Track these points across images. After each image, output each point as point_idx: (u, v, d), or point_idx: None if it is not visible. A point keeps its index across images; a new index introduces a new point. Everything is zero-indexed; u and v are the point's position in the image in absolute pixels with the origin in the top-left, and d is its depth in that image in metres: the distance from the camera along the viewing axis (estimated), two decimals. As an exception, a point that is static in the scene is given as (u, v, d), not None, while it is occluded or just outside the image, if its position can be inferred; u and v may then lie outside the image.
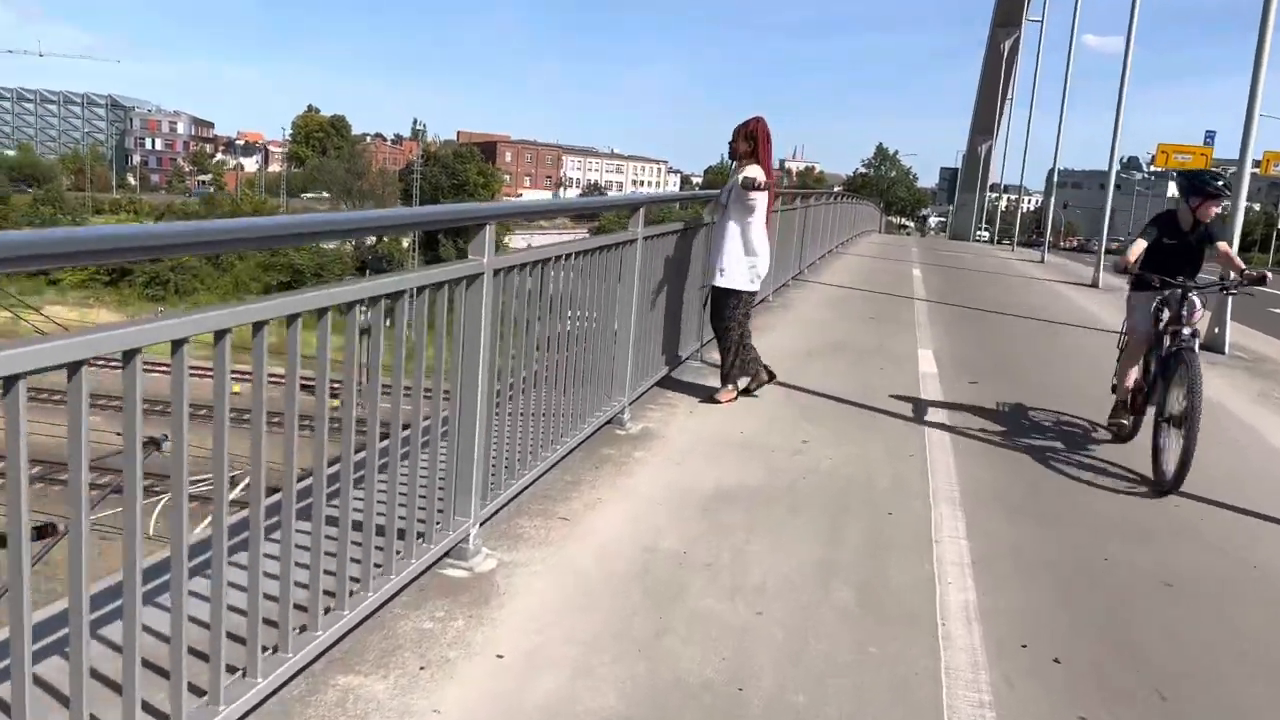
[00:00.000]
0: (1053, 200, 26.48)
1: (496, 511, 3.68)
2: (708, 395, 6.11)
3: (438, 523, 3.18)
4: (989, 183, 56.69)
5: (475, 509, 3.41)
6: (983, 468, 5.08)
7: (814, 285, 13.35)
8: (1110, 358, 6.49)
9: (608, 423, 5.06)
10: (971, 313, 11.83)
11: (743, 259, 5.98)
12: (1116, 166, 17.17)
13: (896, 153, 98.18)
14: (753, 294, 6.19)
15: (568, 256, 4.13)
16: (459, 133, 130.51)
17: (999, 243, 45.86)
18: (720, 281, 6.04)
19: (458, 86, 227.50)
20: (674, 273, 6.04)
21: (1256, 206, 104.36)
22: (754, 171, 5.88)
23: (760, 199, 5.95)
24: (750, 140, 5.98)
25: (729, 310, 6.07)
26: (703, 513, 4.09)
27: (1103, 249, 17.21)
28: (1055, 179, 26.22)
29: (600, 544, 3.67)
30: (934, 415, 6.12)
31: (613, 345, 5.03)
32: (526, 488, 3.98)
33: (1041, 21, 33.94)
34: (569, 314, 4.36)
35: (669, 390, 6.19)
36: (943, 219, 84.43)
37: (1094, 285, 16.88)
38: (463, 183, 59.12)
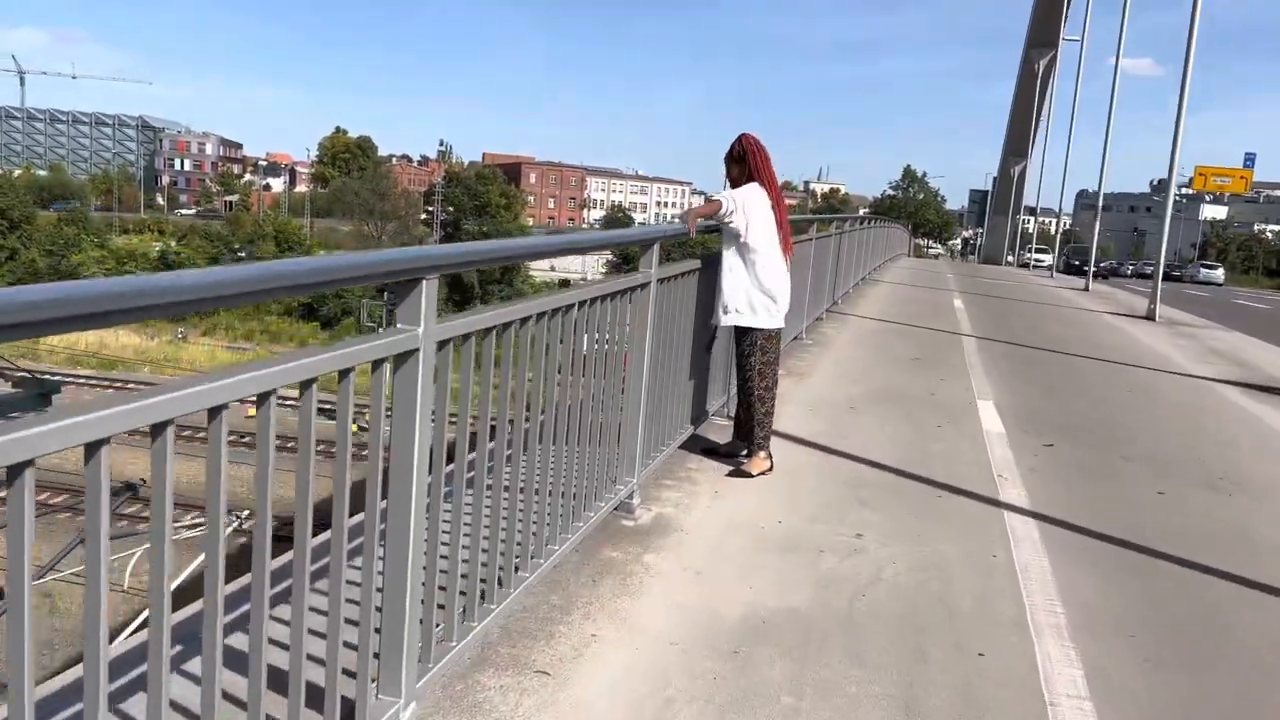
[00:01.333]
0: (1098, 225, 25.23)
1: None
2: (736, 465, 5.08)
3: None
4: (1022, 205, 55.36)
5: (406, 684, 2.38)
6: (1088, 575, 3.99)
7: (849, 318, 12.28)
8: (1208, 412, 5.38)
9: (614, 508, 4.05)
10: (1026, 352, 10.71)
11: (750, 291, 4.95)
12: (1174, 190, 15.98)
13: (925, 175, 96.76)
14: (774, 332, 5.11)
15: (548, 314, 3.10)
16: (484, 154, 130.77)
17: (1025, 266, 44.48)
18: (725, 320, 5.00)
19: (484, 109, 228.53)
20: (695, 314, 5.02)
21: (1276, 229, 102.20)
22: (726, 194, 4.89)
23: (751, 224, 4.89)
24: (740, 162, 4.98)
25: (745, 355, 5.05)
26: (731, 658, 3.03)
27: (1159, 278, 15.98)
28: (1101, 202, 24.97)
29: (587, 722, 2.63)
30: (1011, 493, 5.03)
31: (618, 414, 4.01)
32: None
33: (1082, 40, 32.76)
34: (558, 379, 3.34)
35: (690, 456, 5.16)
36: (968, 240, 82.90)
37: (1149, 318, 15.67)
38: (484, 204, 58.45)
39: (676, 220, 4.72)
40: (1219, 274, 58.96)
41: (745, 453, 5.13)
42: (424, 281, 2.22)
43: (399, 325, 2.24)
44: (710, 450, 5.28)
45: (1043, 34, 42.63)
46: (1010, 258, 50.29)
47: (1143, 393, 8.52)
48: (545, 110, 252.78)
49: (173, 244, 63.05)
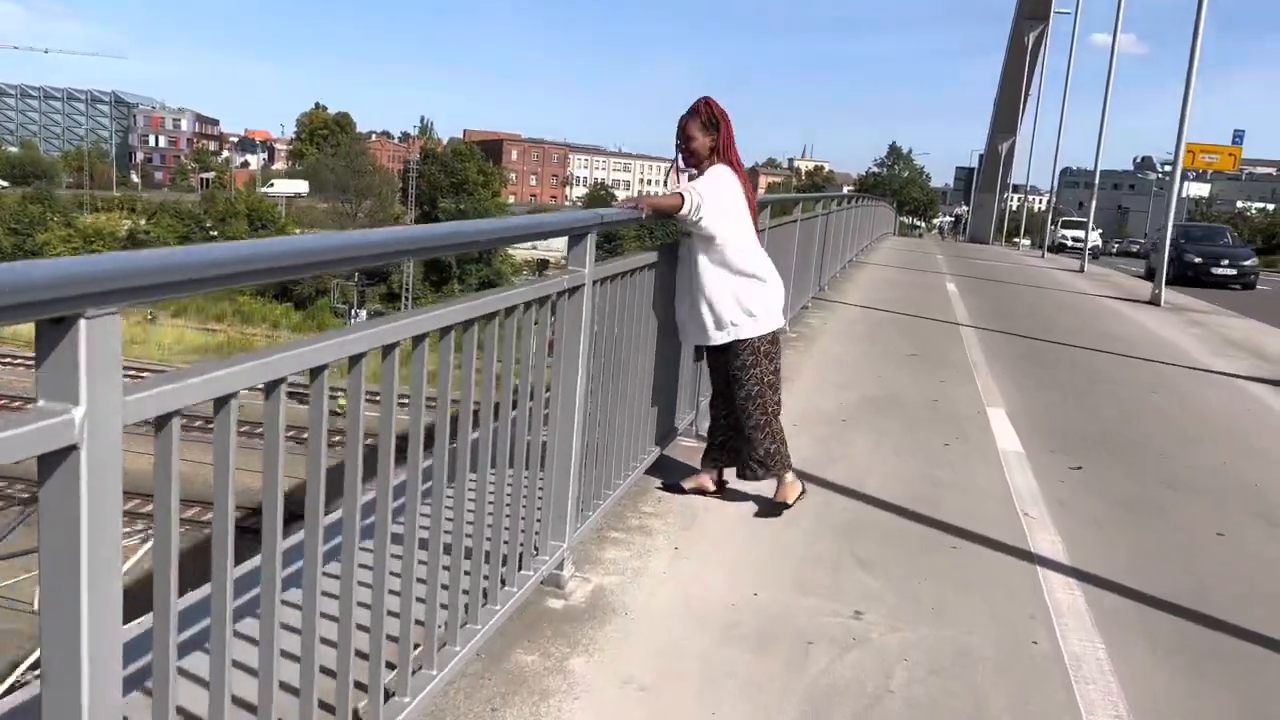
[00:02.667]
0: (1093, 204, 24.29)
1: None
2: (719, 490, 4.25)
3: None
4: (1009, 182, 54.48)
5: None
6: (1157, 667, 3.03)
7: (836, 306, 11.29)
8: (1244, 419, 4.44)
9: (540, 581, 3.06)
10: (1031, 345, 9.75)
11: (741, 293, 4.02)
12: (1179, 171, 15.04)
13: (910, 152, 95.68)
14: (778, 332, 4.19)
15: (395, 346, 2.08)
16: (465, 131, 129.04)
17: (1059, 249, 43.02)
18: (722, 337, 4.05)
19: (467, 86, 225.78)
20: (654, 315, 4.03)
21: (1270, 207, 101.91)
22: (691, 189, 3.87)
23: (727, 219, 3.95)
24: (711, 131, 3.98)
25: (747, 368, 4.06)
26: None
27: (1164, 262, 15.04)
28: (1097, 180, 24.02)
29: None
30: (1042, 540, 4.06)
31: (537, 464, 3.01)
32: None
33: (1075, 12, 31.70)
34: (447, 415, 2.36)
35: (649, 491, 4.18)
36: (951, 219, 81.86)
37: (1154, 303, 14.75)
38: (461, 181, 56.98)
39: (626, 208, 3.70)
40: (1203, 251, 58.49)
41: (749, 475, 4.16)
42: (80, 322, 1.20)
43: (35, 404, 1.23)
44: (672, 487, 4.29)
45: (1034, 6, 41.58)
46: (1023, 240, 48.85)
47: (1167, 394, 7.58)
48: (529, 88, 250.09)
49: (142, 222, 61.41)
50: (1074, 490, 4.81)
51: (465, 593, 2.55)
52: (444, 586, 2.41)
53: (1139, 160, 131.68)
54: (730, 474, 4.27)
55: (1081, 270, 22.37)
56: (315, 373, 1.72)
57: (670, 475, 4.39)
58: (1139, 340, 10.65)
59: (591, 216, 3.04)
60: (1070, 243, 38.40)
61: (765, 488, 4.22)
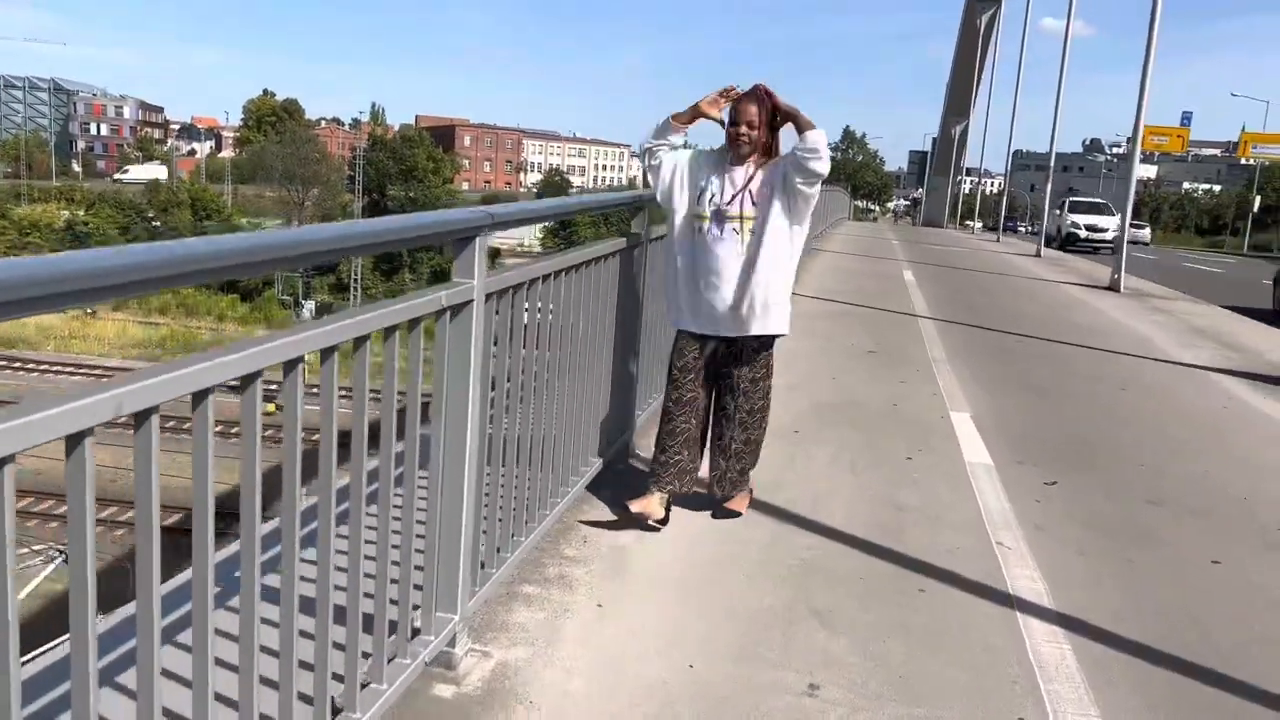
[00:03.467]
0: (1049, 186, 24.05)
1: None
2: (664, 520, 3.79)
3: None
4: (963, 165, 54.49)
5: None
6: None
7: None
8: (1222, 418, 3.99)
9: (427, 661, 2.50)
10: (992, 338, 9.32)
11: (790, 287, 3.85)
12: (1138, 151, 14.72)
13: (864, 136, 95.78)
14: None
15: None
16: (417, 117, 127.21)
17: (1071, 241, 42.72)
18: (777, 327, 3.80)
19: (421, 72, 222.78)
20: (598, 319, 3.51)
21: (1216, 189, 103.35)
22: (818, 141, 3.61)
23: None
24: (771, 127, 3.73)
25: (764, 380, 3.90)
26: None
27: (1124, 247, 14.72)
28: (1053, 162, 23.81)
29: None
30: (1020, 576, 3.56)
31: (420, 519, 2.45)
32: None
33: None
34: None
35: (575, 525, 3.63)
36: (907, 203, 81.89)
37: (1114, 289, 14.45)
38: (410, 168, 55.78)
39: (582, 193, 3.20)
40: (1145, 233, 58.76)
41: (721, 495, 3.94)
42: None
43: None
44: (601, 524, 3.73)
45: (986, -11, 41.42)
46: (975, 223, 48.55)
47: (1139, 392, 7.16)
48: (482, 73, 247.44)
49: (80, 213, 59.44)
50: (1050, 511, 4.33)
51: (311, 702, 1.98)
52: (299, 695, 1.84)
53: (1088, 142, 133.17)
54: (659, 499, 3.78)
55: (1038, 255, 22.13)
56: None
57: (599, 506, 3.84)
58: (1103, 330, 10.27)
59: (480, 216, 2.46)
60: (1085, 234, 27.36)
61: (691, 514, 3.68)
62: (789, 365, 6.98)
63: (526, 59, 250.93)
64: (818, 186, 3.66)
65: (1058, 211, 28.98)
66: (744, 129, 3.64)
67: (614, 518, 3.76)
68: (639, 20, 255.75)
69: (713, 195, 3.67)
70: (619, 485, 4.02)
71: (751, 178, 3.65)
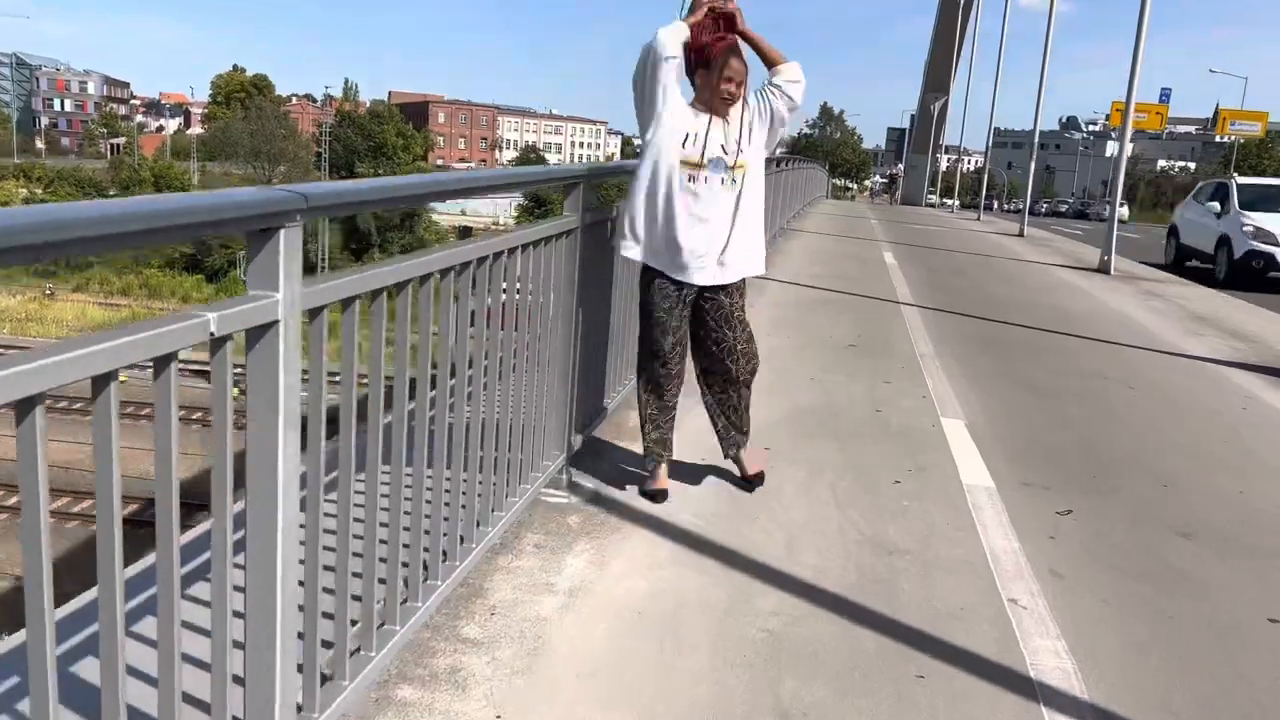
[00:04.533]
0: (1033, 165, 23.39)
1: None
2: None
3: None
4: (942, 143, 53.83)
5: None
6: None
7: (765, 284, 10.02)
8: (1246, 425, 3.28)
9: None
10: (981, 327, 8.61)
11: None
12: (1129, 126, 14.03)
13: (842, 113, 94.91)
14: None
15: None
16: (390, 93, 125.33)
17: (943, 204, 42.76)
18: (759, 265, 3.82)
19: (394, 48, 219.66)
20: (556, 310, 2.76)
21: (1192, 166, 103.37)
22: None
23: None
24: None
25: (742, 316, 3.83)
26: None
27: (1114, 226, 14.04)
28: (1036, 139, 23.12)
29: None
30: (1043, 650, 2.84)
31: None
32: None
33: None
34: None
35: (519, 537, 2.87)
36: (885, 179, 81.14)
37: (1103, 271, 13.78)
38: (380, 145, 54.44)
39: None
40: (1124, 210, 58.55)
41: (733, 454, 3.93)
42: None
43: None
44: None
45: (965, -39, 40.61)
46: (953, 201, 47.89)
47: (1147, 390, 6.47)
48: (457, 49, 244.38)
49: (39, 191, 57.79)
50: (1068, 551, 3.61)
51: None
52: None
53: (1064, 120, 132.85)
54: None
55: (1021, 234, 21.47)
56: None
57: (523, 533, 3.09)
58: (1098, 317, 9.58)
59: (286, 198, 1.68)
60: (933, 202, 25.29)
61: (630, 567, 2.93)
62: (762, 365, 6.23)
63: (505, 36, 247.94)
64: (797, 103, 3.62)
65: (1086, 201, 28.67)
66: (735, 88, 3.50)
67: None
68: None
69: (711, 143, 3.47)
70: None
71: (747, 126, 3.53)
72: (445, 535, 2.69)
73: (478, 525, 2.95)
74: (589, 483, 3.83)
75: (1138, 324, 9.34)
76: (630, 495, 3.79)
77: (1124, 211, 59.39)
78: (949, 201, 47.12)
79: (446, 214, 61.72)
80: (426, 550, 2.58)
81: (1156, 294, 11.79)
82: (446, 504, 2.69)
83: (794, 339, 7.16)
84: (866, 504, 3.92)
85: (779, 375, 5.98)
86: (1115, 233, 13.95)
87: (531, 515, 3.46)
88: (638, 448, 4.00)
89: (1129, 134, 13.80)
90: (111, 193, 59.01)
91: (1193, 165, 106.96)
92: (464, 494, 2.81)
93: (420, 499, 2.49)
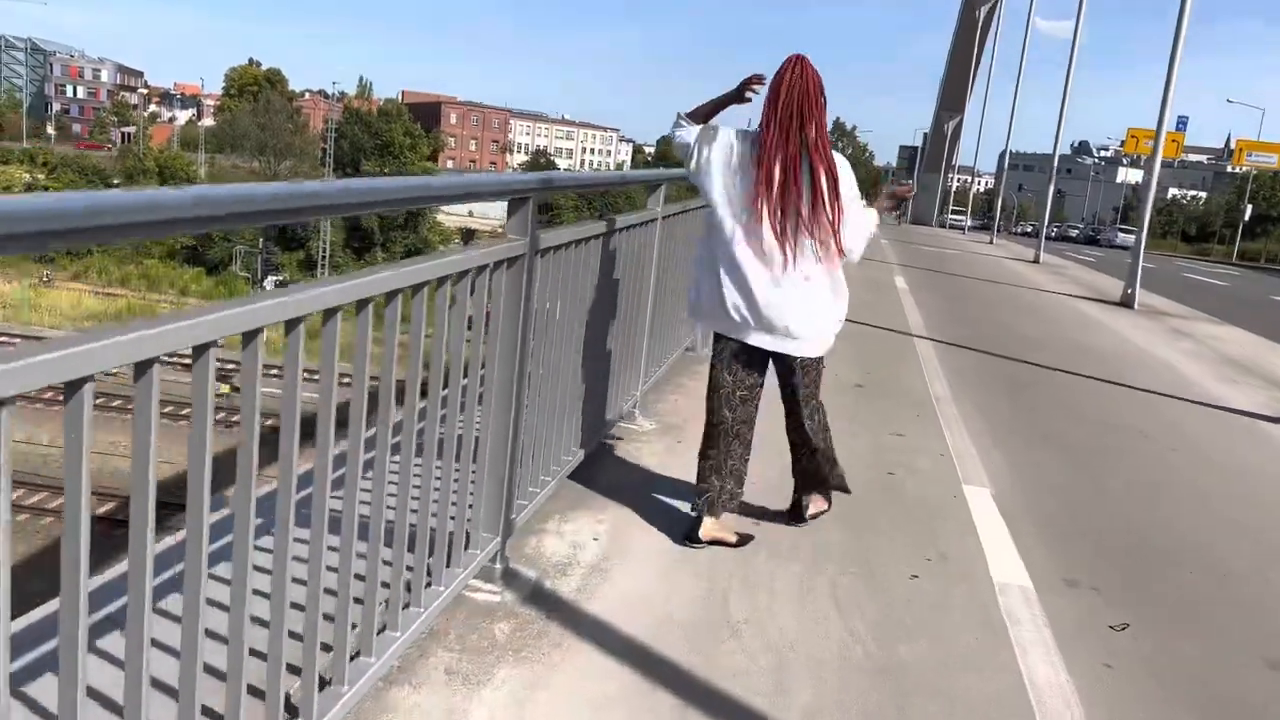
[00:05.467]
0: (1051, 187, 22.69)
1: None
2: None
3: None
4: (955, 163, 53.19)
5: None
6: None
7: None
8: None
9: None
10: (1002, 366, 7.87)
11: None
12: (1160, 153, 13.30)
13: (854, 129, 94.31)
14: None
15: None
16: (403, 92, 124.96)
17: (952, 226, 42.02)
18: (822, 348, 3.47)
19: (412, 47, 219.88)
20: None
21: (1202, 195, 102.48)
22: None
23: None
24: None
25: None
26: None
27: (1139, 258, 13.29)
28: (1056, 164, 22.37)
29: None
30: None
31: None
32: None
33: (1031, -17, 29.90)
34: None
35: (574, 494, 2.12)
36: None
37: (1126, 305, 13.04)
38: (387, 143, 53.78)
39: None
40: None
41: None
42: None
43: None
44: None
45: (986, -21, 39.96)
46: (965, 220, 47.00)
47: (1192, 454, 5.72)
48: (473, 51, 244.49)
49: (41, 177, 57.21)
50: (1132, 686, 2.85)
51: None
52: None
53: (1076, 145, 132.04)
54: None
55: (1036, 261, 20.72)
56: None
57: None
58: (1127, 359, 8.83)
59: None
60: (951, 221, 28.26)
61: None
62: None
63: (519, 38, 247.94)
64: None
65: (1104, 230, 35.38)
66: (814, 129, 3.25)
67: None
68: (633, 4, 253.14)
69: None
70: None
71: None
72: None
73: (355, 656, 2.21)
74: (530, 572, 3.09)
75: (1169, 367, 8.59)
76: (582, 587, 3.04)
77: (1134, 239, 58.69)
78: (962, 220, 46.35)
79: (454, 215, 61.01)
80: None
81: (1185, 333, 11.03)
82: (327, 616, 1.96)
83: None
84: (875, 610, 3.16)
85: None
86: (1140, 264, 13.19)
87: (450, 620, 2.71)
88: (605, 513, 3.26)
89: (1158, 165, 13.08)
90: (115, 181, 58.41)
91: (1203, 194, 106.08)
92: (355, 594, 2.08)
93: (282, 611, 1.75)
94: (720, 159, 3.25)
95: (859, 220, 3.36)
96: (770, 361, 3.46)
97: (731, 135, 3.29)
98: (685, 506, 3.71)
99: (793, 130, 3.19)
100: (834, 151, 3.28)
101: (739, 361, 3.42)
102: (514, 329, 2.82)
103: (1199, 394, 7.49)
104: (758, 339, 3.33)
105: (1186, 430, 6.27)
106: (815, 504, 3.76)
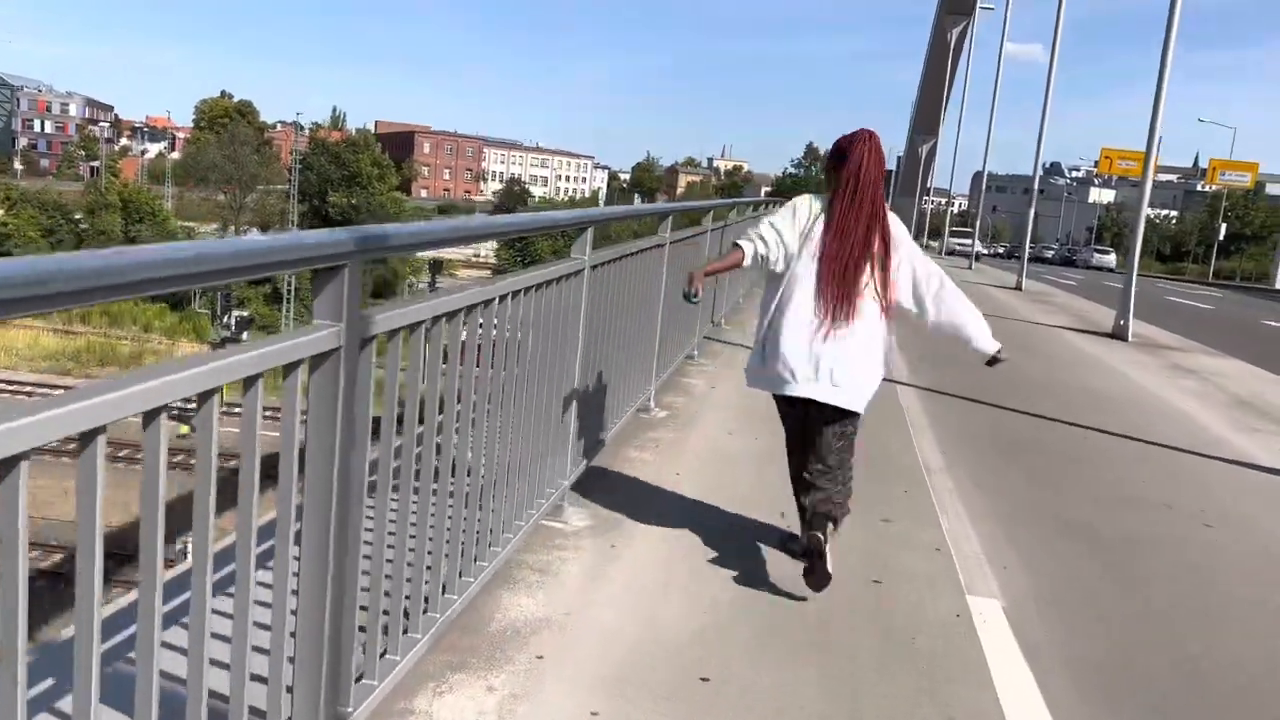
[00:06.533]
0: (1032, 210, 22.03)
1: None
2: None
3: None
4: (929, 186, 52.84)
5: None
6: None
7: (733, 352, 8.40)
8: None
9: None
10: (999, 420, 7.01)
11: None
12: (1150, 174, 12.57)
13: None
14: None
15: None
16: (377, 122, 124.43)
17: (927, 246, 41.55)
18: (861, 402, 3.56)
19: (390, 80, 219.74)
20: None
21: (1173, 214, 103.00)
22: None
23: None
24: None
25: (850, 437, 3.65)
26: None
27: (1131, 287, 12.51)
28: (1036, 185, 21.77)
29: None
30: None
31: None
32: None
33: (1006, 6, 29.44)
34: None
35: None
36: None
37: (1119, 337, 12.25)
38: (354, 174, 52.79)
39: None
40: (1111, 259, 57.57)
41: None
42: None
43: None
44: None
45: (957, 1, 39.64)
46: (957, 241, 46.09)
47: (1227, 528, 4.84)
48: (447, 81, 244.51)
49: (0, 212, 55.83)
50: None
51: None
52: None
53: (1048, 165, 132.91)
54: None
55: (1019, 288, 19.98)
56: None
57: None
58: (1133, 404, 7.99)
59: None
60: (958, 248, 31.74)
61: None
62: (713, 486, 4.59)
63: (493, 67, 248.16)
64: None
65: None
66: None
67: None
68: (609, 31, 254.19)
69: None
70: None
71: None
72: None
73: None
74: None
75: (1179, 413, 7.75)
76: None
77: (1110, 259, 58.39)
78: (969, 245, 45.72)
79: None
80: None
81: (1186, 368, 10.23)
82: None
83: (758, 445, 5.51)
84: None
85: (734, 509, 4.32)
86: (1133, 292, 12.40)
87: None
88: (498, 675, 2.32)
89: (1148, 188, 12.39)
90: (76, 216, 57.07)
91: (1174, 214, 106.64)
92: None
93: None
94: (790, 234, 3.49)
95: (925, 269, 3.61)
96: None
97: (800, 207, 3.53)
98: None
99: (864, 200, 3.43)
100: (891, 214, 3.53)
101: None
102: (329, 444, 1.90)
103: (1218, 447, 6.64)
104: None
105: (1216, 497, 5.40)
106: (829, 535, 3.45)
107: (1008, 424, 6.81)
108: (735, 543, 3.94)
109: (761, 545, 3.96)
